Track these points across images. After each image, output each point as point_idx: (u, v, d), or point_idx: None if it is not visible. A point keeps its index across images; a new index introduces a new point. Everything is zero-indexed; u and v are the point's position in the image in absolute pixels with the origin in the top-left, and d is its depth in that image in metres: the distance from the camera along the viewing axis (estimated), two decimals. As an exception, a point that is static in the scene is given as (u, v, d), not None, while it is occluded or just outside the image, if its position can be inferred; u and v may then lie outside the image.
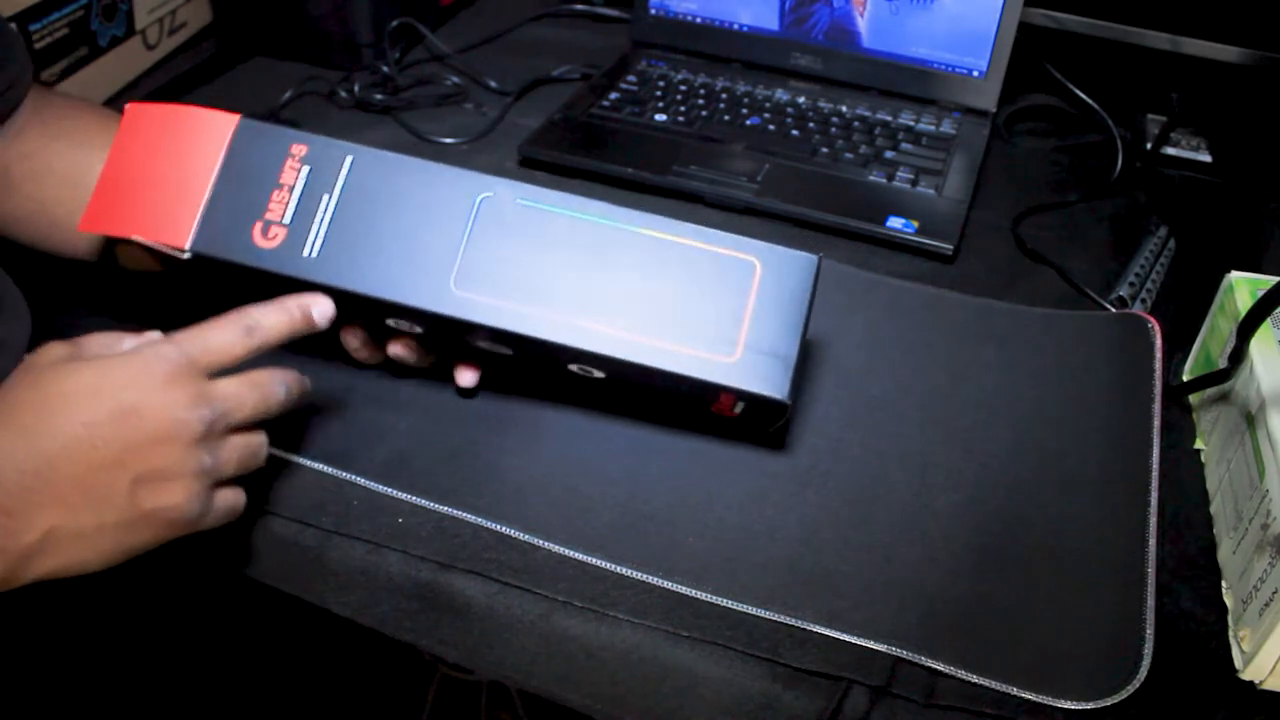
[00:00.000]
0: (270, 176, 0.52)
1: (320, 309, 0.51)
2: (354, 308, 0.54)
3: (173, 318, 0.51)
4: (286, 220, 0.52)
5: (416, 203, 0.52)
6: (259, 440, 0.49)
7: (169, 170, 0.53)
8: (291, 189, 0.52)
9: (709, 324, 0.52)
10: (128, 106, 0.53)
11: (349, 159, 0.53)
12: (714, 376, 0.52)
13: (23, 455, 0.42)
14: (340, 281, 0.52)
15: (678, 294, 0.52)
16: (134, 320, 0.60)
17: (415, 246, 0.52)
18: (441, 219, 0.52)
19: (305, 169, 0.53)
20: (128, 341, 0.48)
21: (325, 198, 0.52)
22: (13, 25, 0.64)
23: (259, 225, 0.52)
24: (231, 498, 0.49)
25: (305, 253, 0.52)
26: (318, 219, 0.52)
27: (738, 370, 0.52)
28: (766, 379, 0.52)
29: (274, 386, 0.49)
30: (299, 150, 0.53)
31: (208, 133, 0.53)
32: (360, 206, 0.52)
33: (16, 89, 0.61)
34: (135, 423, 0.43)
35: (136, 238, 0.52)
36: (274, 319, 0.49)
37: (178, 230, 0.52)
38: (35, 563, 0.43)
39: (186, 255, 0.52)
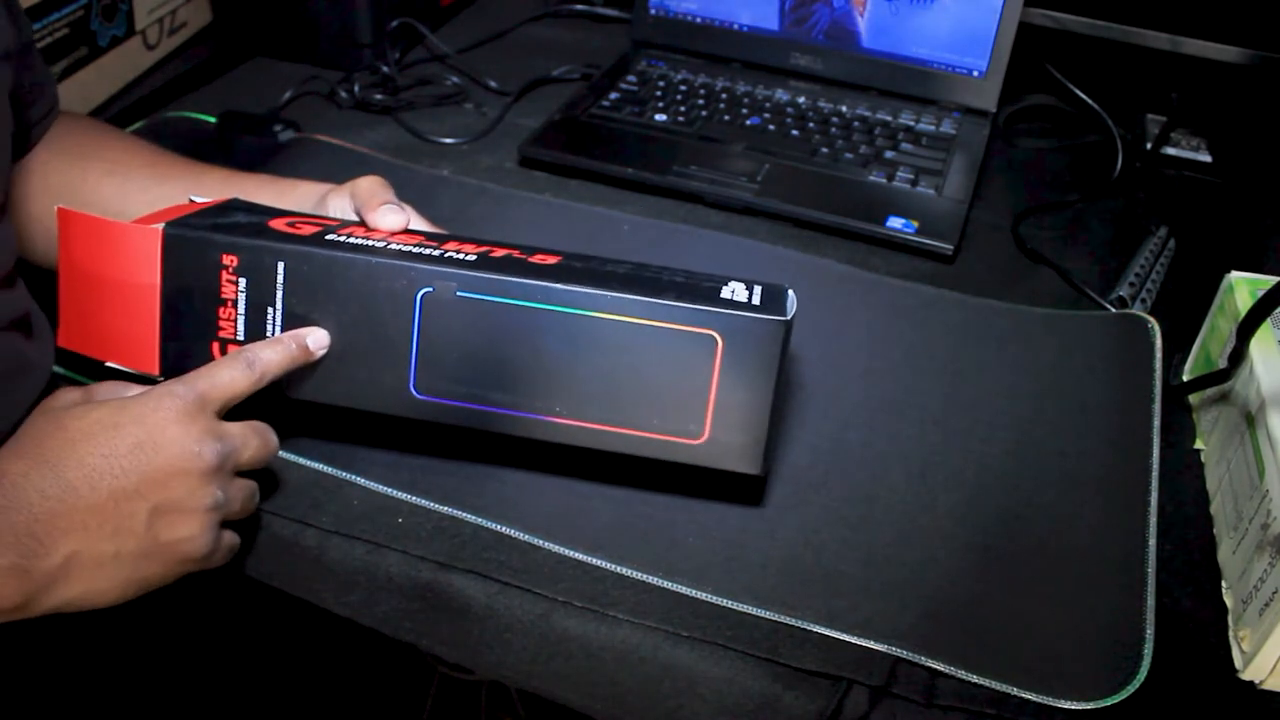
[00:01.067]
0: (212, 293, 0.51)
1: (315, 339, 0.51)
2: None
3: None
4: (240, 337, 0.51)
5: (358, 303, 0.50)
6: (254, 486, 0.51)
7: (115, 288, 0.52)
8: (235, 304, 0.51)
9: (673, 407, 0.50)
10: (58, 211, 0.51)
11: (280, 266, 0.50)
12: (683, 459, 0.51)
13: (47, 483, 0.43)
14: (304, 395, 0.52)
15: (638, 378, 0.50)
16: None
17: (368, 351, 0.51)
18: (387, 319, 0.50)
19: (242, 281, 0.51)
20: (135, 390, 0.49)
21: (270, 310, 0.51)
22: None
23: (216, 345, 0.52)
24: (231, 539, 0.50)
25: None
26: (269, 333, 0.51)
27: (707, 451, 0.51)
28: (738, 456, 0.51)
29: (271, 436, 0.51)
30: (230, 261, 0.50)
31: (136, 247, 0.51)
32: (305, 313, 0.51)
33: (50, 116, 0.63)
34: (151, 455, 0.45)
35: (111, 363, 0.53)
36: (272, 353, 0.50)
37: (145, 356, 0.52)
38: (55, 590, 0.44)
39: (161, 380, 0.51)
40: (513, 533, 0.55)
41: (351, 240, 0.52)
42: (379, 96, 0.93)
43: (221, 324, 0.51)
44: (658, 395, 0.50)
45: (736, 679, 0.50)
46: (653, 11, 0.99)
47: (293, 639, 1.04)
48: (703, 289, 0.51)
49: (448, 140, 0.89)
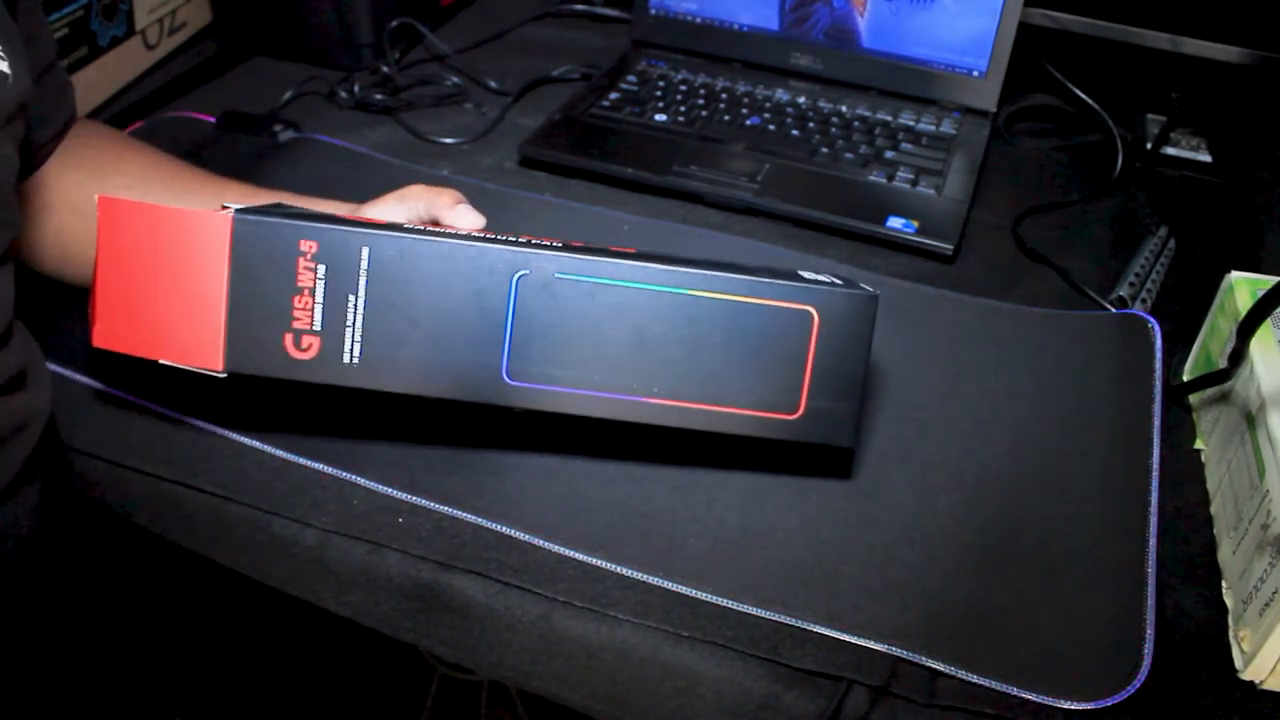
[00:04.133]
0: (287, 281, 0.48)
1: None
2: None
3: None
4: (317, 328, 0.49)
5: (450, 289, 0.49)
6: None
7: (172, 281, 0.48)
8: (313, 292, 0.49)
9: (770, 383, 0.51)
10: (99, 200, 0.48)
11: (365, 251, 0.48)
12: (779, 434, 0.52)
13: None
14: (389, 385, 0.50)
15: (736, 355, 0.50)
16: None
17: (458, 338, 0.49)
18: (480, 304, 0.49)
19: (321, 268, 0.48)
20: None
21: (351, 298, 0.49)
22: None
23: (290, 337, 0.49)
24: None
25: (346, 360, 0.49)
26: (349, 323, 0.49)
27: (802, 426, 0.51)
28: (832, 430, 0.52)
29: None
30: (309, 247, 0.48)
31: (203, 236, 0.48)
32: (390, 301, 0.49)
33: (59, 137, 0.62)
34: None
35: (166, 361, 0.49)
36: None
37: (207, 351, 0.49)
38: None
39: (223, 376, 0.50)
40: (513, 533, 0.55)
41: (430, 230, 0.51)
42: (379, 96, 0.93)
43: (296, 314, 0.49)
44: (755, 372, 0.51)
45: (737, 679, 0.50)
46: (653, 11, 0.99)
47: (293, 639, 1.04)
48: (785, 273, 0.52)
49: (448, 140, 0.89)
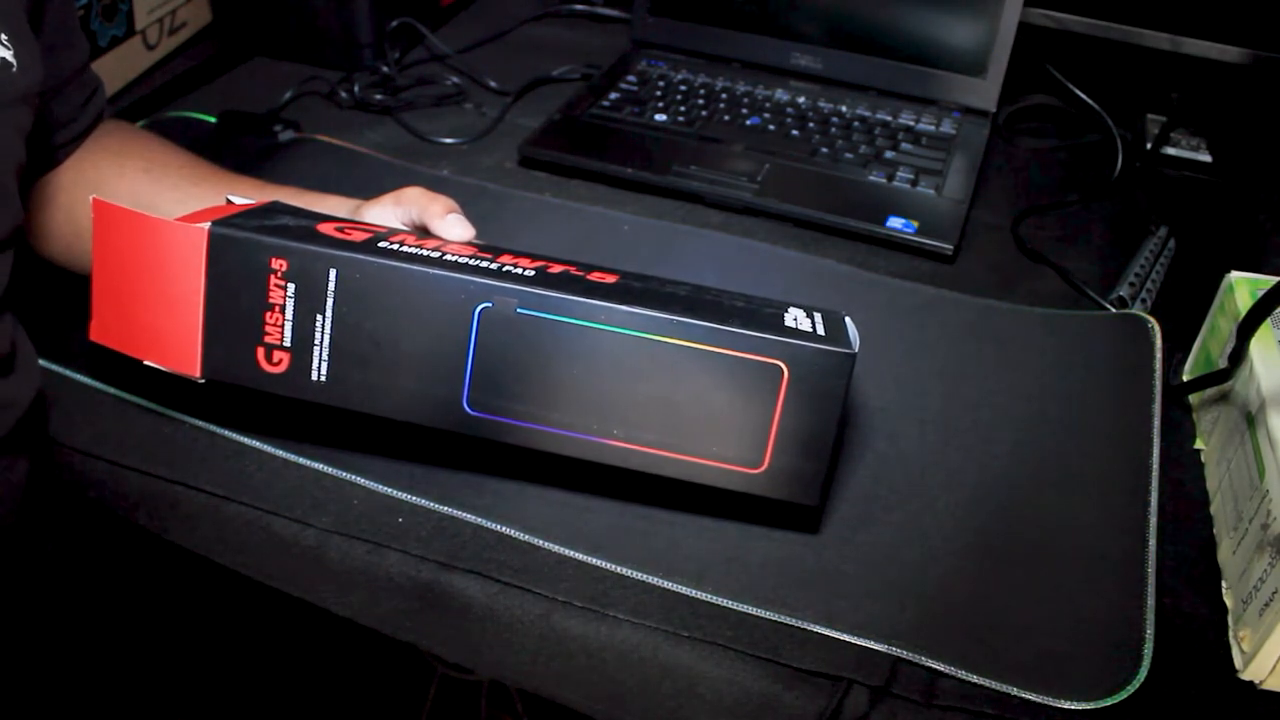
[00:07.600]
0: (259, 296, 0.49)
1: None
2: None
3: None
4: (286, 344, 0.50)
5: (413, 315, 0.49)
6: None
7: (156, 286, 0.50)
8: (283, 309, 0.49)
9: (733, 435, 0.49)
10: (93, 202, 0.49)
11: (332, 273, 0.48)
12: (740, 487, 0.50)
13: None
14: (354, 405, 0.51)
15: (698, 405, 0.49)
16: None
17: (420, 364, 0.49)
18: (442, 333, 0.49)
19: (291, 286, 0.49)
20: None
21: (319, 318, 0.49)
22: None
23: (261, 350, 0.50)
24: None
25: (313, 377, 0.50)
26: (317, 341, 0.49)
27: (765, 481, 0.50)
28: (796, 487, 0.50)
29: None
30: (279, 265, 0.48)
31: (180, 245, 0.49)
32: (357, 322, 0.49)
33: (79, 139, 0.63)
34: None
35: (149, 363, 0.51)
36: None
37: (186, 357, 0.50)
38: None
39: (202, 382, 0.50)
40: (513, 533, 0.55)
41: (405, 249, 0.50)
42: (379, 96, 0.93)
43: (268, 329, 0.50)
44: (719, 423, 0.49)
45: (736, 679, 0.50)
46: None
47: (293, 639, 1.04)
48: (765, 316, 0.50)
49: (448, 140, 0.89)
